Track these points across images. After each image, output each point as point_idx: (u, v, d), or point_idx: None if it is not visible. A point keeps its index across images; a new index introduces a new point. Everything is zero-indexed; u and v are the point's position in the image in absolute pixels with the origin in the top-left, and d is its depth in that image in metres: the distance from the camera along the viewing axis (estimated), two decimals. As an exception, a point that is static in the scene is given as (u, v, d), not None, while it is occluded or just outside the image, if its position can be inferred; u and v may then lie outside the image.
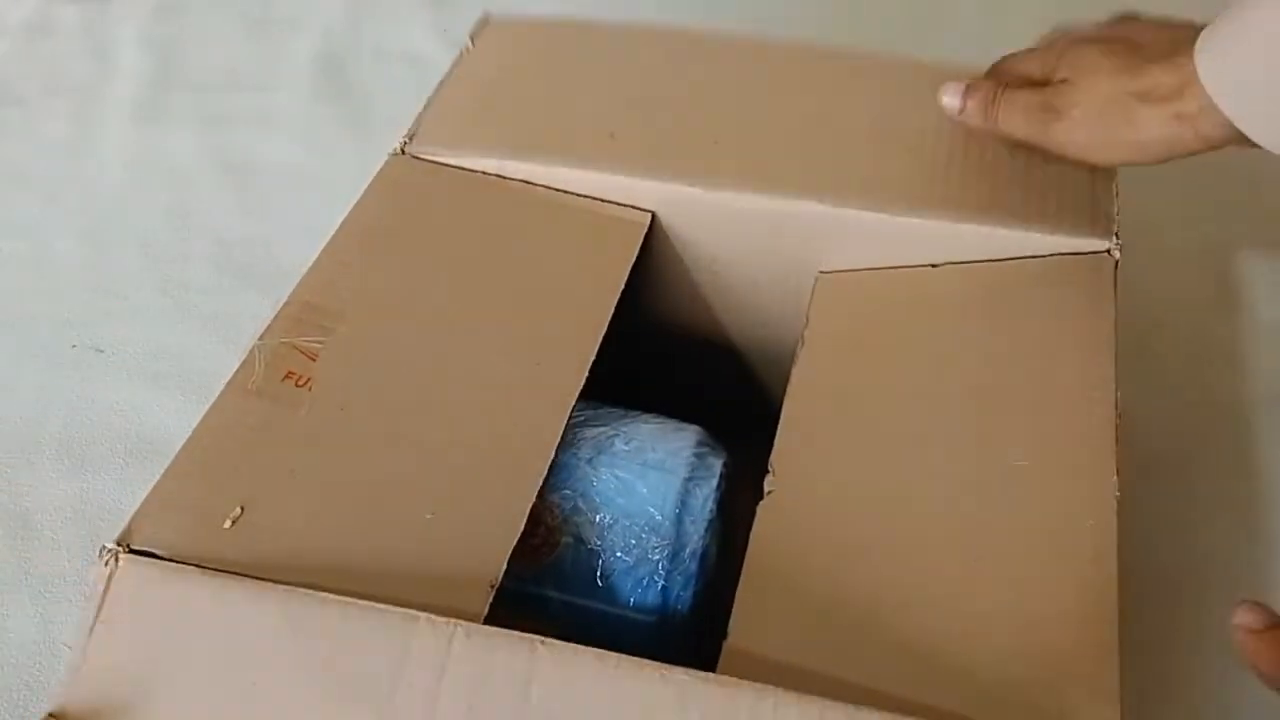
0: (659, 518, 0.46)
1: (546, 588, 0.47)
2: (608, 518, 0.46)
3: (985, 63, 0.59)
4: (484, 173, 0.56)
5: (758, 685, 0.36)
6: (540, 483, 0.43)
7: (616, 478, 0.47)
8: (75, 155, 0.91)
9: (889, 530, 0.42)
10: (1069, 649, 0.38)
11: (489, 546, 0.41)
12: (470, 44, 0.63)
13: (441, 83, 0.61)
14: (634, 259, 0.53)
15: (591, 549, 0.46)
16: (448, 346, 0.48)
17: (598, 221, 0.54)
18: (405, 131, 0.58)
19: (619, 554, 0.46)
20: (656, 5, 0.92)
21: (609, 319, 0.49)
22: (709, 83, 0.61)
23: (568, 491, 0.47)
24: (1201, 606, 0.59)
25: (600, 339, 0.48)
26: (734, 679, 0.36)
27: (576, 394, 0.46)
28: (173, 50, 1.01)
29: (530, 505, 0.42)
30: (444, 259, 0.52)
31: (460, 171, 0.56)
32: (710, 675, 0.37)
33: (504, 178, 0.56)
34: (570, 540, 0.46)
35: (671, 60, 0.62)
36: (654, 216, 0.55)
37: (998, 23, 0.98)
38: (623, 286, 0.51)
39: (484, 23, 0.65)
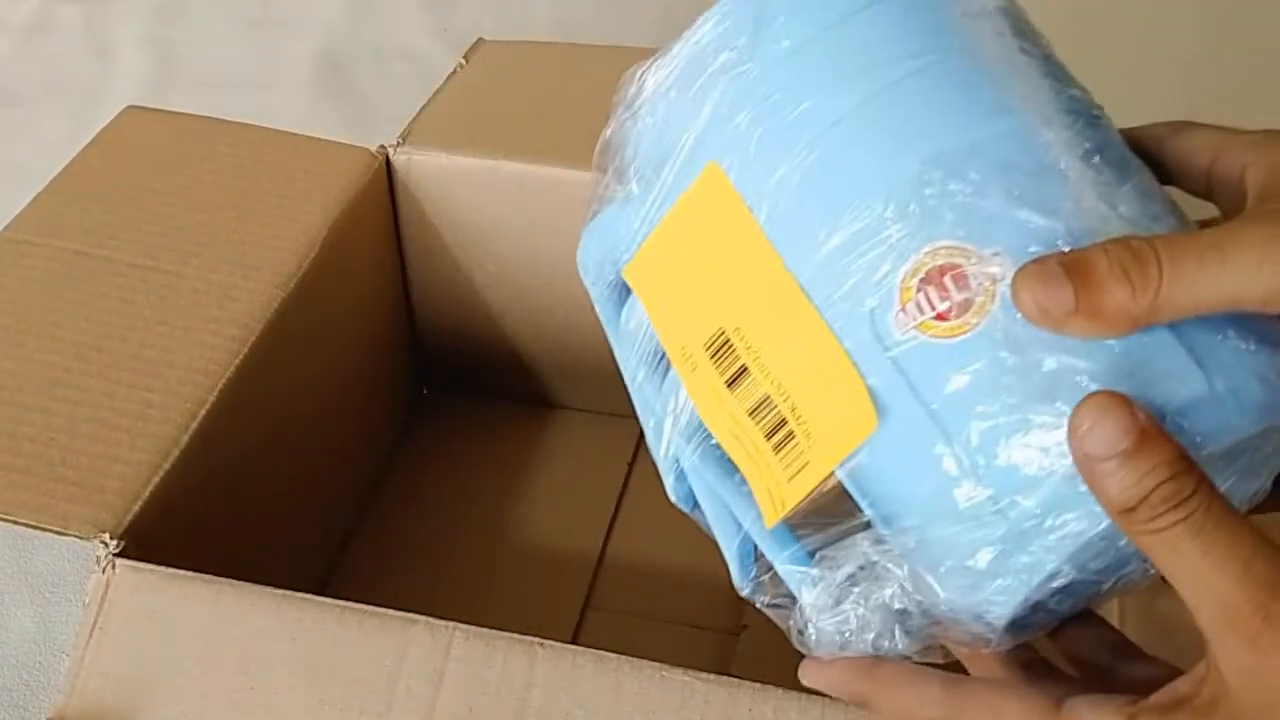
0: None
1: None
2: None
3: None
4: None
5: (758, 685, 0.36)
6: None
7: None
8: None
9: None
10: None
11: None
12: (464, 62, 0.64)
13: (435, 93, 0.61)
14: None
15: None
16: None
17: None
18: (399, 132, 0.58)
19: None
20: (659, 30, 0.92)
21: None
22: None
23: None
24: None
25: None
26: (734, 679, 0.36)
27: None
28: (173, 50, 1.01)
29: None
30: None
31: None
32: (710, 675, 0.36)
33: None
34: None
35: None
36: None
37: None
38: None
39: (479, 43, 0.65)
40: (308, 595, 0.38)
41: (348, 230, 0.54)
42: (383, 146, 0.57)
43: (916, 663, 0.32)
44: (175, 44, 1.02)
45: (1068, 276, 0.27)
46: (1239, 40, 1.01)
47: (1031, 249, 0.28)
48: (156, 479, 0.42)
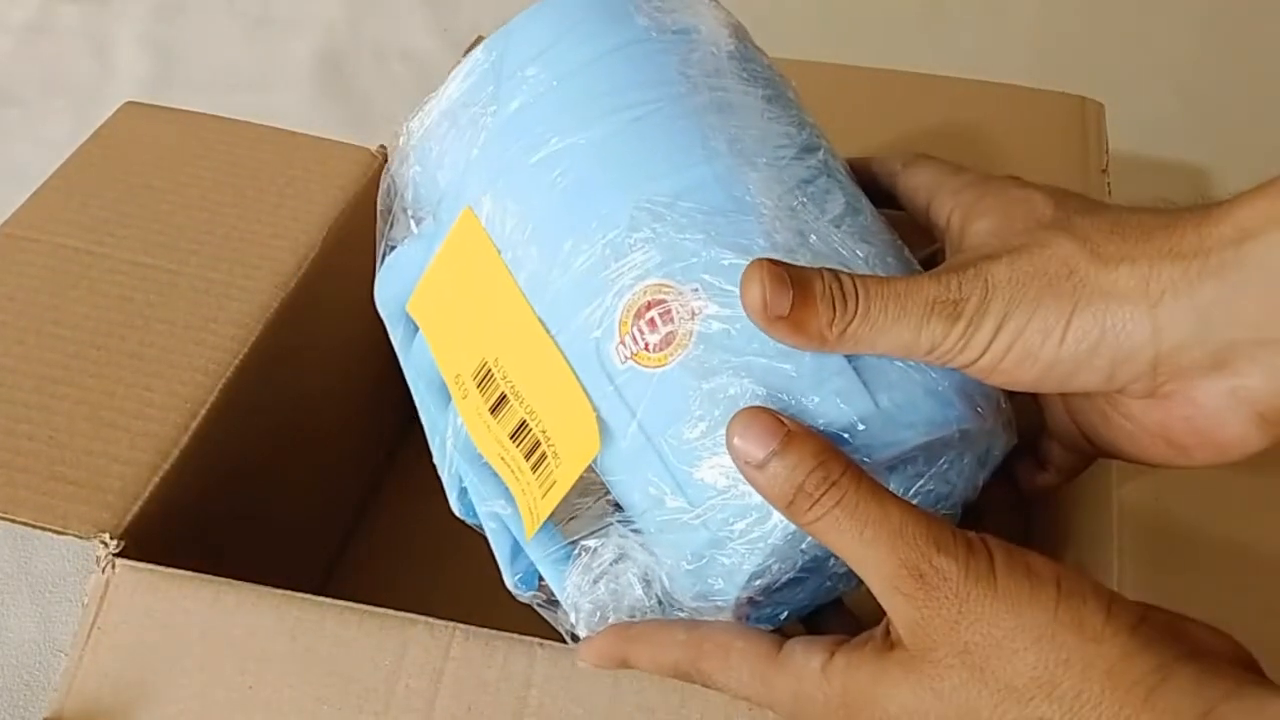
0: None
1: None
2: None
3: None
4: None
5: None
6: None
7: None
8: (75, 155, 0.90)
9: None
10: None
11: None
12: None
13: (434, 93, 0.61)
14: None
15: None
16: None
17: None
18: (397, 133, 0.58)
19: None
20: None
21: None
22: None
23: None
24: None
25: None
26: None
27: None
28: (173, 50, 1.01)
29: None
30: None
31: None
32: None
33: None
34: None
35: None
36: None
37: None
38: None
39: (478, 40, 0.65)
40: (307, 595, 0.38)
41: (348, 230, 0.54)
42: (382, 146, 0.57)
43: None
44: (175, 44, 1.02)
45: (793, 286, 0.30)
46: (1239, 40, 1.01)
47: (725, 286, 0.32)
48: (156, 479, 0.42)
